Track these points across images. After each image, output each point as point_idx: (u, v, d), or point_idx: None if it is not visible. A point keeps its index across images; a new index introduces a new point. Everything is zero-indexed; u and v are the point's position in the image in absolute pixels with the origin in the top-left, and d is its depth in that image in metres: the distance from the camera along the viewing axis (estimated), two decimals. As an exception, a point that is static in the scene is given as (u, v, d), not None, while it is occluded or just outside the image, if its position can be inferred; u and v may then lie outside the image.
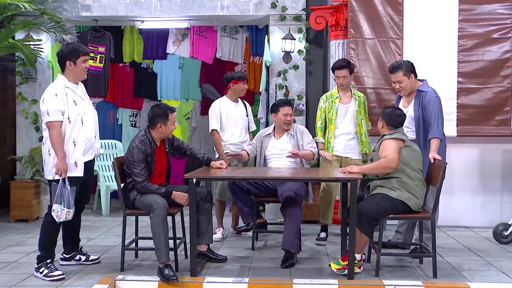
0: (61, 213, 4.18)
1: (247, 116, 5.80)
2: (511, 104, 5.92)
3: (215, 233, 5.52)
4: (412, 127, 4.87)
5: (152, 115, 4.58)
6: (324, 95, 5.68)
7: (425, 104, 4.76)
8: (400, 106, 4.97)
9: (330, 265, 4.45)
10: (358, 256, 4.38)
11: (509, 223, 5.54)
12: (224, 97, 5.75)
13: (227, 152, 5.57)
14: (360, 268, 4.40)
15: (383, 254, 4.48)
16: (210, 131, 5.65)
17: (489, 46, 5.96)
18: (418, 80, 4.93)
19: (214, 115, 5.61)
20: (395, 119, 4.53)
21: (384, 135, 4.55)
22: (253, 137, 5.87)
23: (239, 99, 5.78)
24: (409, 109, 4.89)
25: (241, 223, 5.59)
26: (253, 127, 5.92)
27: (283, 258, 4.70)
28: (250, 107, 5.94)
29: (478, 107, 5.95)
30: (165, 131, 4.58)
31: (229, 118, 5.64)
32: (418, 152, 4.51)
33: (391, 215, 4.40)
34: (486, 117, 5.88)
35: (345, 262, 4.32)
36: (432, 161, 4.57)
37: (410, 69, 4.85)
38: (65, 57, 4.42)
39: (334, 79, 5.57)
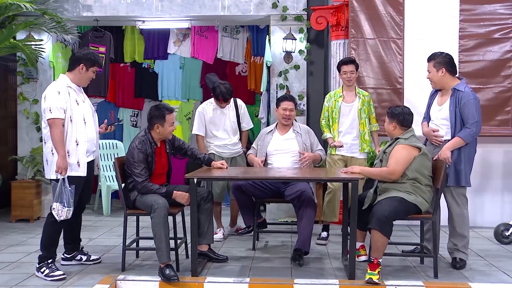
0: (62, 211, 4.19)
1: (238, 116, 5.73)
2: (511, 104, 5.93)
3: (216, 234, 5.53)
4: (445, 128, 4.68)
5: (149, 116, 4.59)
6: (328, 94, 5.70)
7: (462, 106, 4.55)
8: (434, 103, 4.81)
9: (369, 279, 4.14)
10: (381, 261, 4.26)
11: (510, 223, 5.55)
12: (212, 99, 5.69)
13: (211, 153, 5.59)
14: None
15: (384, 255, 4.46)
16: (194, 135, 5.68)
17: (490, 46, 5.97)
18: (457, 77, 4.74)
19: (198, 119, 5.62)
20: (408, 119, 4.48)
21: (398, 138, 4.48)
22: (247, 136, 5.92)
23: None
24: (443, 108, 4.70)
25: (239, 222, 5.61)
26: (247, 126, 5.83)
27: (296, 254, 4.70)
28: (243, 105, 5.83)
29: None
30: (163, 132, 4.58)
31: (214, 121, 5.62)
32: (430, 158, 4.46)
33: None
34: (487, 117, 5.85)
35: (377, 269, 4.19)
36: (435, 158, 4.56)
37: (443, 62, 4.65)
38: (82, 60, 4.45)
39: (341, 76, 5.52)
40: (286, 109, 5.24)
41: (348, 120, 5.48)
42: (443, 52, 4.76)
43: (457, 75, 4.80)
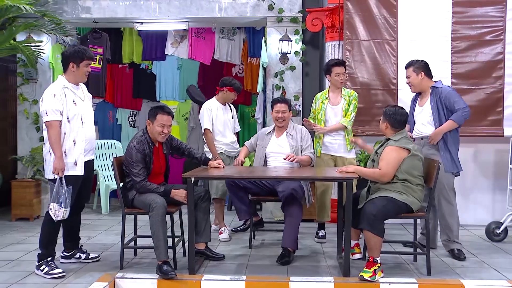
0: (59, 211, 4.22)
1: (233, 118, 5.92)
2: (503, 105, 6.01)
3: (221, 233, 5.61)
4: (429, 125, 4.94)
5: (148, 112, 4.68)
6: (315, 95, 5.72)
7: (445, 99, 4.84)
8: (416, 107, 5.08)
9: (360, 276, 4.18)
10: (379, 260, 4.26)
11: (501, 221, 5.62)
12: (214, 98, 5.83)
13: (221, 153, 5.68)
14: (382, 273, 4.24)
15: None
16: (203, 130, 5.76)
17: (481, 48, 6.04)
18: (434, 81, 5.01)
19: (206, 115, 5.70)
20: (400, 119, 4.50)
21: (389, 139, 4.52)
22: (238, 138, 6.10)
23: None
24: (424, 107, 4.98)
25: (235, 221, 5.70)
26: (238, 128, 6.05)
27: (280, 254, 4.79)
28: (234, 109, 6.06)
29: (470, 108, 5.89)
30: (151, 130, 4.60)
31: (219, 119, 5.74)
32: (420, 158, 4.50)
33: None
34: (478, 117, 5.95)
35: (373, 268, 4.21)
36: (430, 139, 4.82)
37: (421, 67, 4.96)
38: (69, 58, 4.46)
39: (332, 78, 5.49)
40: (278, 111, 5.33)
41: (334, 122, 5.50)
42: (419, 59, 5.04)
43: (433, 79, 5.02)
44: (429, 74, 5.00)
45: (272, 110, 5.44)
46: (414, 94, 5.18)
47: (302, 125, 5.61)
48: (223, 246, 5.34)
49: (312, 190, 5.52)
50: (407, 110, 5.94)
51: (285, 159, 5.13)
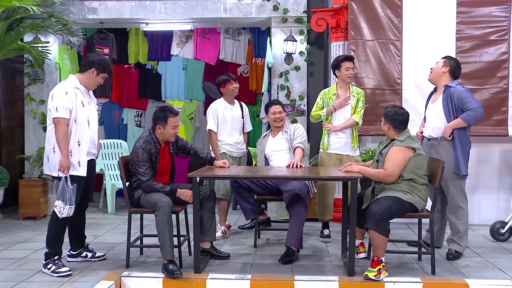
0: (64, 209, 4.27)
1: (243, 117, 5.91)
2: (507, 105, 6.03)
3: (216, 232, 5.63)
4: (436, 125, 4.92)
5: (153, 116, 4.69)
6: (323, 91, 5.68)
7: (457, 100, 4.78)
8: (429, 103, 5.06)
9: (365, 275, 4.21)
10: (383, 259, 4.28)
11: (506, 221, 5.63)
12: (222, 98, 5.86)
13: (223, 153, 5.70)
14: (387, 272, 4.27)
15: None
16: (207, 130, 5.80)
17: (486, 48, 6.05)
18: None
19: (212, 116, 5.73)
20: (401, 119, 4.49)
21: (394, 139, 4.51)
22: (248, 137, 6.09)
23: (236, 100, 5.90)
24: (435, 104, 4.95)
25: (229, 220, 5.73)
26: (249, 128, 6.03)
27: (283, 253, 4.82)
28: (247, 109, 6.04)
29: (475, 108, 6.03)
30: (164, 134, 4.64)
31: (225, 119, 5.74)
32: (424, 157, 4.52)
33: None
34: (483, 117, 5.96)
35: (378, 267, 4.23)
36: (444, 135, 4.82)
37: (451, 64, 4.92)
38: (94, 64, 4.52)
39: (341, 73, 5.44)
40: (275, 113, 5.42)
41: (341, 118, 5.50)
42: (455, 59, 5.06)
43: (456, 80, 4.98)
44: (453, 73, 4.93)
45: (267, 113, 5.49)
46: (432, 89, 5.15)
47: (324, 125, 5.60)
48: (228, 245, 5.37)
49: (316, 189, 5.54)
50: (410, 110, 5.96)
51: (287, 166, 5.11)
